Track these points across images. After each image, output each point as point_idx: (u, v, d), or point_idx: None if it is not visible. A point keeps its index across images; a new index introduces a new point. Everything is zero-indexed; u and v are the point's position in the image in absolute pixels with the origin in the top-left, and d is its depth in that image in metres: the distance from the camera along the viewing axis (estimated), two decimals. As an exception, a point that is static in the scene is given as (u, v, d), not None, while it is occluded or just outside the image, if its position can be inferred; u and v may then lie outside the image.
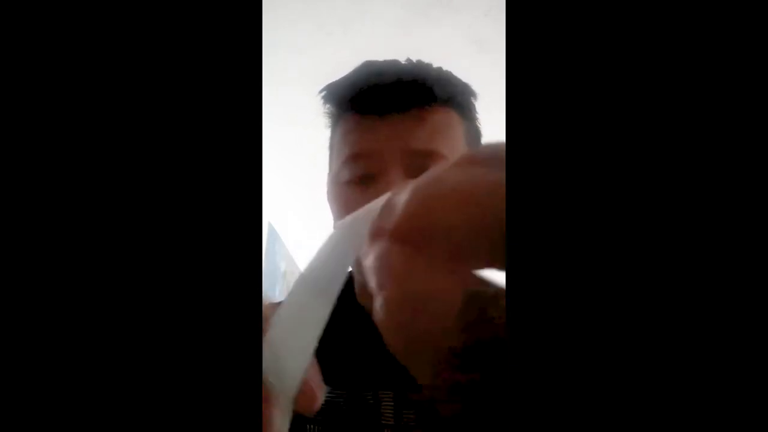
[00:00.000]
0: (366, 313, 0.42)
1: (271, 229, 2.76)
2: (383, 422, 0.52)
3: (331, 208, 0.59)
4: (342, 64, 0.60)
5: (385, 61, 0.60)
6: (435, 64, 0.60)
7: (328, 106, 0.61)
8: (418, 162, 0.53)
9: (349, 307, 0.54)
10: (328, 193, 0.60)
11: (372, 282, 0.20)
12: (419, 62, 0.60)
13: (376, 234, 0.20)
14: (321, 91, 0.61)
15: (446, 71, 0.60)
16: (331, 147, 0.62)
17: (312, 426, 0.53)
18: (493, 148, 0.20)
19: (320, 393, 0.21)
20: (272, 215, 2.74)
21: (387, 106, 0.55)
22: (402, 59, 0.59)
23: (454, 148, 0.56)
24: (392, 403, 0.53)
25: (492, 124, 0.62)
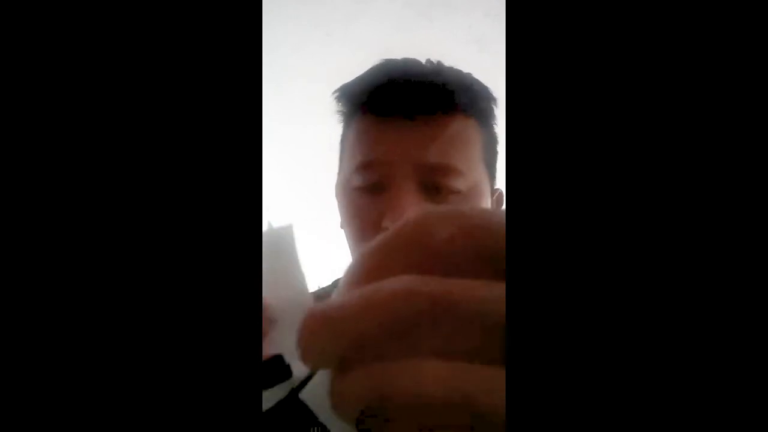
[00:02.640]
0: None
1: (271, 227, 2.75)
2: None
3: (339, 210, 0.58)
4: (342, 64, 0.59)
5: (404, 59, 0.57)
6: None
7: (341, 105, 0.59)
8: (431, 176, 0.52)
9: None
10: (337, 195, 0.59)
11: None
12: (440, 64, 0.58)
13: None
14: (335, 92, 0.58)
15: (468, 75, 0.58)
16: (343, 147, 0.60)
17: (315, 428, 0.53)
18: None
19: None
20: (272, 215, 2.73)
21: (404, 110, 0.53)
22: (408, 59, 0.58)
23: (470, 161, 0.54)
24: None
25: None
